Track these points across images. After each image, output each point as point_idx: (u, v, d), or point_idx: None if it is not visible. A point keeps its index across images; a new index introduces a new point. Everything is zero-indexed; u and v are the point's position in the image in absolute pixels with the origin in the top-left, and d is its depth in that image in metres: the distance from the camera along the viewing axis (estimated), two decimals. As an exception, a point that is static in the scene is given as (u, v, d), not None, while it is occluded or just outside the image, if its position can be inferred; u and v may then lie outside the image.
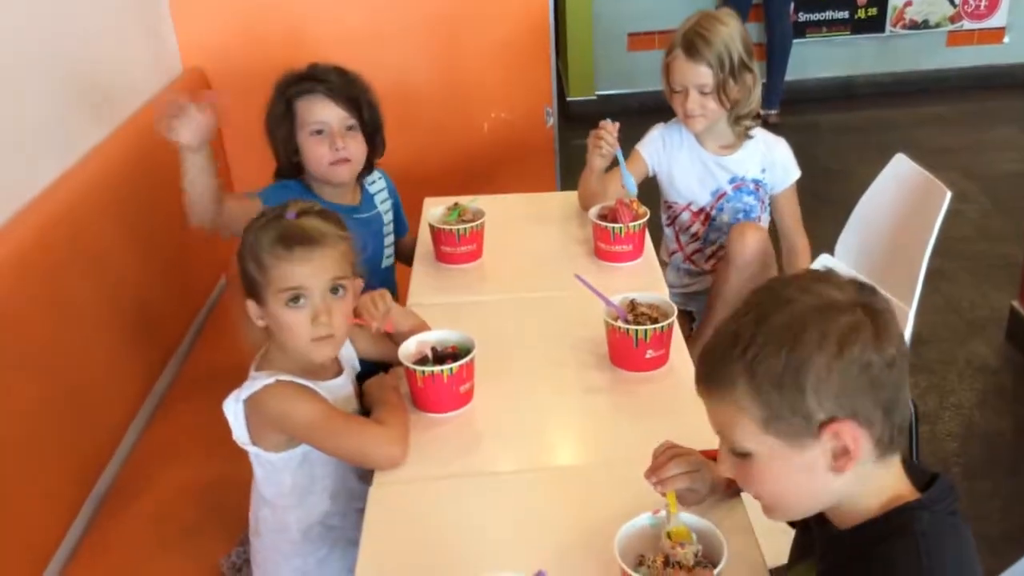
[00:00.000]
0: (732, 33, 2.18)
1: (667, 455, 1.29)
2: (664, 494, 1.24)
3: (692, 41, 2.18)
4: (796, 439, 1.00)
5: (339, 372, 1.58)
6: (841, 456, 1.00)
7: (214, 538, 1.76)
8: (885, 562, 1.01)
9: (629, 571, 1.12)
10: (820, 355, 0.97)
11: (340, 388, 1.56)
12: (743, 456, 1.05)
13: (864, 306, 1.00)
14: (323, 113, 1.96)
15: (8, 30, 1.87)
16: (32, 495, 1.66)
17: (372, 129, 2.05)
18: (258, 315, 1.49)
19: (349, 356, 1.65)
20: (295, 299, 1.45)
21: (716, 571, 1.12)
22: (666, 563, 1.15)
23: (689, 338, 2.44)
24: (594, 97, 5.37)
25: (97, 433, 1.92)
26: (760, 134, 2.32)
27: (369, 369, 1.70)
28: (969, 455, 2.58)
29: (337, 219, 1.54)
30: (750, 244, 2.21)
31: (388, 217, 2.22)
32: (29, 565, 1.63)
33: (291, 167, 2.02)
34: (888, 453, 1.03)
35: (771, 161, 2.32)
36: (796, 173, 2.35)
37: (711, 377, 1.05)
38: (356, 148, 2.01)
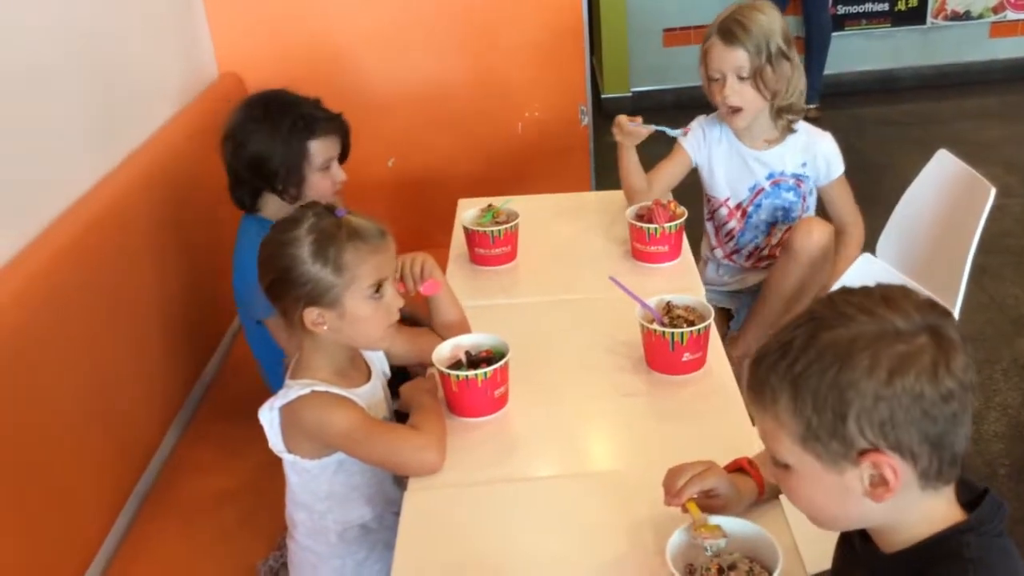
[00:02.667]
0: (770, 21, 2.15)
1: (670, 476, 1.28)
2: (684, 509, 1.23)
3: (729, 27, 2.16)
4: (833, 462, 0.97)
5: (369, 376, 1.58)
6: (879, 485, 0.97)
7: (251, 542, 1.77)
8: None
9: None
10: (868, 381, 0.93)
11: (372, 394, 1.56)
12: (783, 467, 1.03)
13: (932, 333, 0.95)
14: (332, 150, 2.03)
15: (44, 35, 1.89)
16: (71, 501, 1.68)
17: (345, 158, 2.11)
18: (320, 322, 1.46)
19: (379, 360, 1.65)
20: (378, 290, 1.47)
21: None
22: (720, 572, 1.13)
23: (728, 336, 2.41)
24: (629, 94, 5.33)
25: (132, 443, 1.93)
26: (804, 127, 2.29)
27: (397, 374, 1.70)
28: (1015, 455, 2.53)
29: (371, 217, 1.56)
30: (816, 240, 2.18)
31: None
32: (70, 571, 1.65)
33: (280, 197, 2.01)
34: (936, 483, 0.98)
35: (813, 154, 2.28)
36: (840, 167, 2.30)
37: (757, 385, 1.02)
38: (344, 177, 2.08)
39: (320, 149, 2.00)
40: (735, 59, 2.15)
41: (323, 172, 2.01)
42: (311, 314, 1.45)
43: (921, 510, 1.00)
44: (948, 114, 5.05)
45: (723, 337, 2.38)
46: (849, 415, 0.94)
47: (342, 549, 1.57)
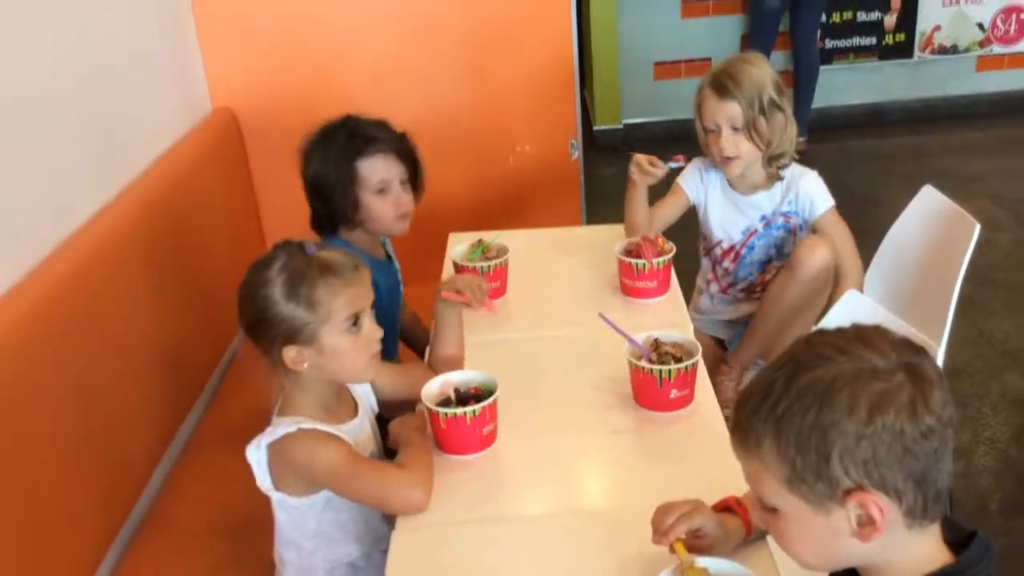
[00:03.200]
0: (761, 74, 2.20)
1: (658, 514, 1.28)
2: (672, 549, 1.23)
3: (721, 81, 2.20)
4: (820, 503, 0.98)
5: (356, 412, 1.58)
6: (866, 525, 0.97)
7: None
8: None
9: None
10: (849, 421, 0.94)
11: (359, 430, 1.56)
12: (771, 510, 1.03)
13: (909, 370, 0.96)
14: (388, 171, 2.02)
15: (37, 67, 1.90)
16: (61, 532, 1.67)
17: (419, 182, 2.11)
18: (300, 360, 1.47)
19: (366, 395, 1.65)
20: (355, 323, 1.47)
21: None
22: None
23: (723, 362, 2.42)
24: (620, 126, 5.37)
25: (125, 472, 1.93)
26: (787, 171, 2.31)
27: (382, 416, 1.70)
28: (1005, 490, 2.53)
29: (346, 250, 1.58)
30: (817, 259, 2.21)
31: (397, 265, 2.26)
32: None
33: (339, 221, 2.03)
34: (922, 521, 0.99)
35: (796, 193, 2.31)
36: (826, 203, 2.31)
37: (740, 430, 1.03)
38: (411, 201, 2.08)
39: (373, 169, 1.99)
40: (728, 111, 2.19)
41: (380, 195, 2.00)
42: (290, 353, 1.46)
43: (908, 551, 1.01)
44: (935, 147, 5.09)
45: (719, 365, 2.41)
46: (832, 455, 0.95)
47: (332, 589, 1.57)
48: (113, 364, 1.91)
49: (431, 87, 2.96)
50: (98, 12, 2.19)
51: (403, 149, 2.05)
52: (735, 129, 2.19)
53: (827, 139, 5.12)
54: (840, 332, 1.02)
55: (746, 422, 1.01)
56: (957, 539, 1.04)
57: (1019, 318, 3.41)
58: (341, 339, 1.47)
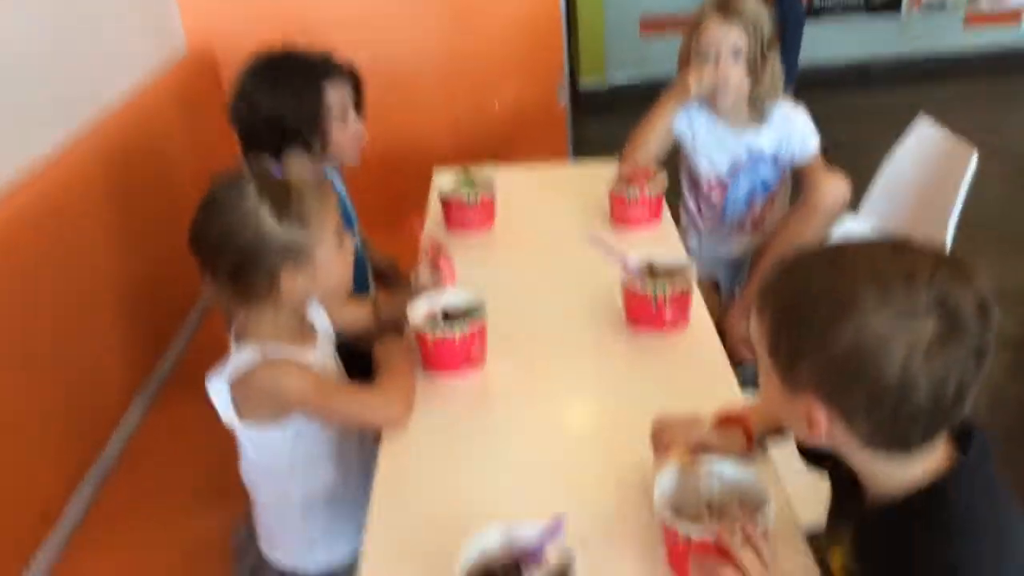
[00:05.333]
0: (762, 10, 2.16)
1: (657, 428, 1.26)
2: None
3: (726, 4, 2.14)
4: (786, 385, 0.98)
5: (315, 339, 1.51)
6: (814, 426, 0.96)
7: (220, 514, 1.71)
8: (919, 553, 0.95)
9: (671, 520, 1.07)
10: (838, 346, 0.90)
11: (321, 354, 1.49)
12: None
13: (943, 312, 0.88)
14: (345, 98, 1.95)
15: (6, 5, 1.82)
16: (32, 472, 1.62)
17: (362, 110, 2.03)
18: (294, 281, 1.38)
19: (324, 325, 1.58)
20: (340, 236, 1.43)
21: (763, 527, 1.06)
22: (710, 513, 1.10)
23: (722, 303, 2.37)
24: (605, 88, 5.31)
25: (95, 412, 1.87)
26: (778, 106, 2.26)
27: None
28: (1000, 426, 2.52)
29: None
30: (839, 192, 2.15)
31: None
32: (30, 541, 1.60)
33: (286, 149, 1.94)
34: (887, 452, 0.96)
35: (788, 132, 2.26)
36: (815, 141, 2.28)
37: (761, 284, 1.01)
38: (364, 129, 2.01)
39: (335, 96, 1.92)
40: (732, 36, 2.12)
41: (342, 123, 1.94)
42: (286, 276, 1.37)
43: (897, 472, 0.97)
44: (922, 104, 5.04)
45: (711, 310, 2.35)
46: (806, 359, 0.93)
47: (307, 514, 1.51)
48: (81, 304, 1.84)
49: (416, 29, 2.89)
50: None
51: (353, 74, 1.98)
52: (736, 54, 2.13)
53: (813, 95, 5.00)
54: (893, 251, 0.93)
55: (764, 284, 1.00)
56: (958, 433, 0.99)
57: (1009, 260, 3.41)
58: (333, 256, 1.41)
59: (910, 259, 0.91)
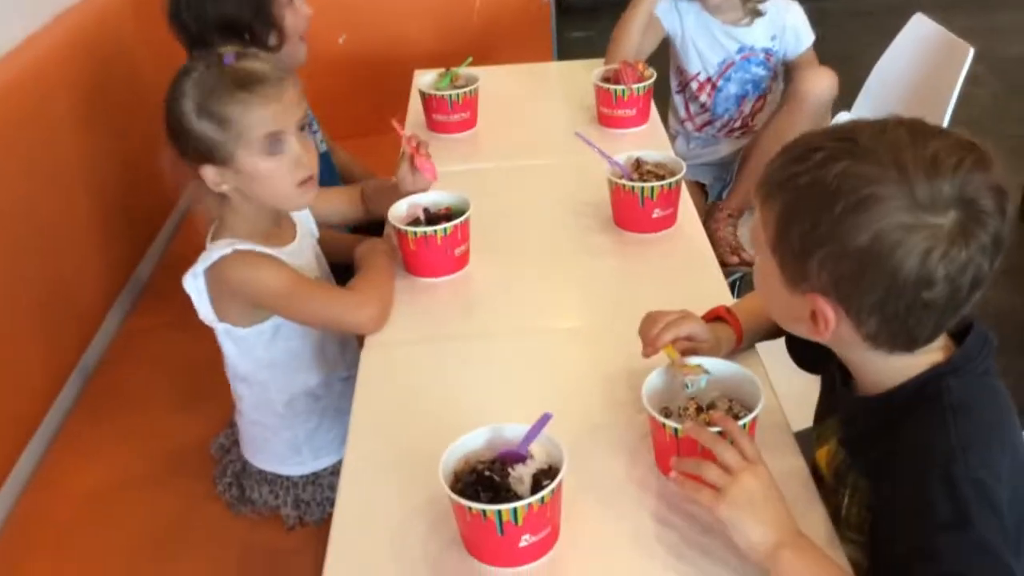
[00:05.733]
0: None
1: (646, 323, 1.22)
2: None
3: None
4: (790, 280, 0.94)
5: (295, 237, 1.47)
6: (819, 322, 0.93)
7: (201, 419, 1.68)
8: (914, 438, 0.93)
9: (659, 417, 1.04)
10: (853, 240, 0.86)
11: (299, 252, 1.45)
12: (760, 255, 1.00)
13: (962, 213, 0.84)
14: None
15: None
16: (12, 373, 1.59)
17: None
18: (219, 180, 1.34)
19: (306, 220, 1.54)
20: (277, 143, 1.33)
21: (753, 415, 1.04)
22: (699, 411, 1.07)
23: (708, 205, 2.33)
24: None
25: (73, 318, 1.83)
26: (770, 3, 2.19)
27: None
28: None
29: (269, 57, 1.42)
30: (826, 88, 2.11)
31: None
32: (12, 443, 1.58)
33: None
34: (885, 350, 0.93)
35: (782, 26, 2.21)
36: (809, 37, 2.23)
37: (766, 173, 0.96)
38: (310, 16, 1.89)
39: None
40: None
41: (290, 7, 1.82)
42: (208, 173, 1.33)
43: (895, 364, 0.95)
44: (915, 6, 4.94)
45: (699, 211, 2.31)
46: (816, 253, 0.89)
47: (291, 419, 1.49)
48: (56, 209, 1.78)
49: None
50: None
51: None
52: None
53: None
54: (913, 138, 0.88)
55: (771, 172, 0.95)
56: (958, 329, 0.96)
57: (999, 168, 3.35)
58: (261, 161, 1.33)
59: (933, 147, 0.86)
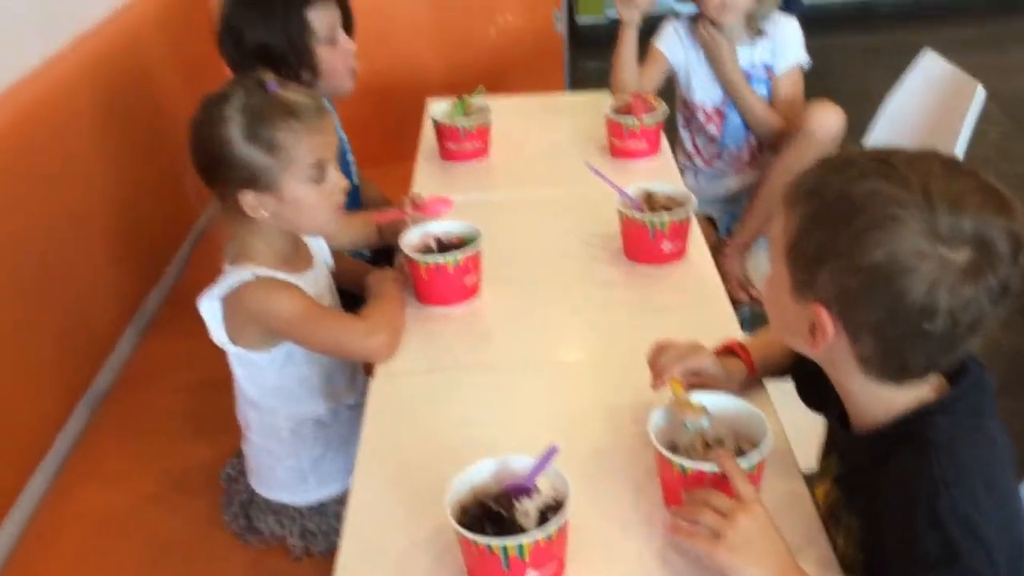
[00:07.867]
0: None
1: (654, 354, 1.22)
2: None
3: None
4: (796, 288, 0.95)
5: (312, 264, 1.49)
6: (816, 335, 0.94)
7: (209, 447, 1.68)
8: (899, 474, 0.93)
9: (666, 453, 1.04)
10: (867, 258, 0.87)
11: (316, 280, 1.46)
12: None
13: (978, 248, 0.86)
14: (332, 16, 1.85)
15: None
16: (21, 401, 1.58)
17: (351, 27, 1.93)
18: (257, 205, 1.35)
19: (321, 249, 1.55)
20: (321, 172, 1.36)
21: (761, 456, 1.04)
22: (706, 447, 1.07)
23: (723, 244, 2.33)
24: (604, 20, 5.20)
25: (86, 342, 1.83)
26: (769, 21, 2.21)
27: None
28: (996, 374, 2.49)
29: (307, 90, 1.45)
30: (835, 123, 2.10)
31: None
32: (23, 467, 1.58)
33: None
34: (877, 376, 0.94)
35: (780, 39, 2.22)
36: (800, 55, 2.23)
37: (797, 179, 0.97)
38: (355, 50, 1.92)
39: (320, 18, 1.82)
40: None
41: (331, 46, 1.85)
42: (247, 198, 1.34)
43: (886, 397, 0.96)
44: (926, 43, 4.95)
45: (709, 244, 2.31)
46: (827, 265, 0.91)
47: (297, 446, 1.49)
48: (73, 228, 1.79)
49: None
50: None
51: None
52: None
53: (814, 34, 4.91)
54: (945, 171, 0.90)
55: (803, 178, 0.96)
56: (952, 373, 0.97)
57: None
58: (304, 189, 1.35)
59: (962, 183, 0.88)
